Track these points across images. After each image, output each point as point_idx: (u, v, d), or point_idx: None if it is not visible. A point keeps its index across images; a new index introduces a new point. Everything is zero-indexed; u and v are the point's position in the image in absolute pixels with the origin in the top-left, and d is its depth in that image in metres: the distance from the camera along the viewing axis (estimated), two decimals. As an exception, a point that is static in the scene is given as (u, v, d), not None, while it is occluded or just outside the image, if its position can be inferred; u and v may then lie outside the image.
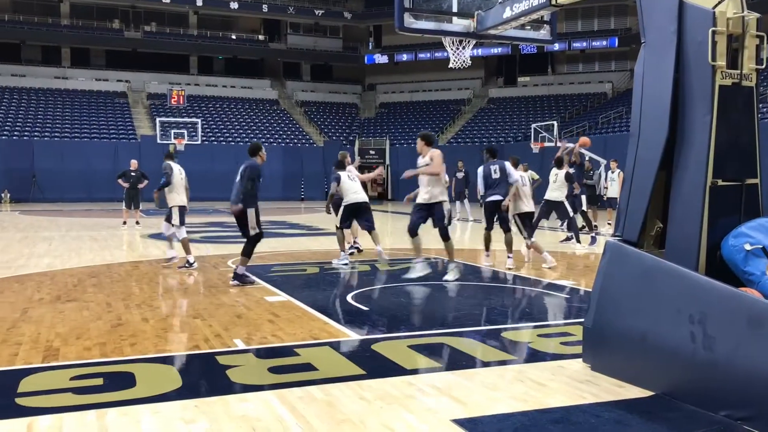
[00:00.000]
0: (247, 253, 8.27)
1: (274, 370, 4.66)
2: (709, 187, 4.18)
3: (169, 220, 9.88)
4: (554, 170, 12.03)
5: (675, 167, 4.40)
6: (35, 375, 4.52)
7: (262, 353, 5.13)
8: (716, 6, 4.18)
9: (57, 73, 42.36)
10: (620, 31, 41.91)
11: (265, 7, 45.78)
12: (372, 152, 40.34)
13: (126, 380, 4.39)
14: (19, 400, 4.00)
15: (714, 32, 4.11)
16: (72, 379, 4.44)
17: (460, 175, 20.95)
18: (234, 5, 44.80)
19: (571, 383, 4.36)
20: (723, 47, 4.15)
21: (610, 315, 4.55)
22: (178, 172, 9.91)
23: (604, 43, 41.73)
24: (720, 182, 4.22)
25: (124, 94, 42.46)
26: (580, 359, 4.79)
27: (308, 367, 4.75)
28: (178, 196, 9.84)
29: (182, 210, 9.85)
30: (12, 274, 9.26)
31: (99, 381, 4.40)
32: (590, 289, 5.02)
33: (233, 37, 46.99)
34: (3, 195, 31.60)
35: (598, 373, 4.54)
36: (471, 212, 21.07)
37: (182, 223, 9.79)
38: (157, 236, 15.24)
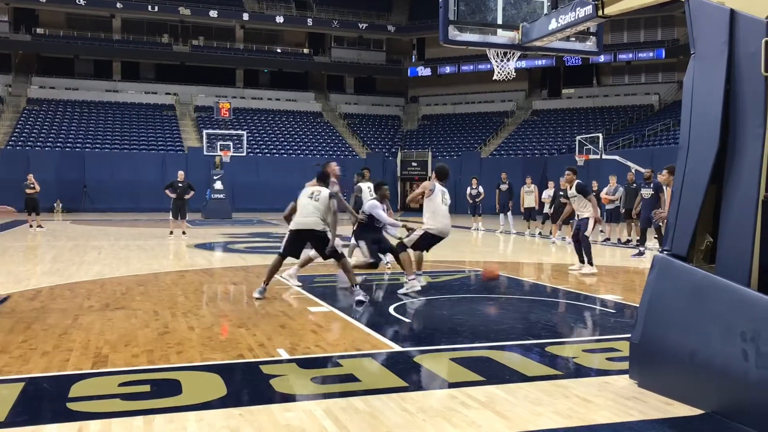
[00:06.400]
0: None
1: (317, 380, 4.70)
2: (761, 201, 4.08)
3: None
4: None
5: (726, 181, 4.30)
6: (85, 381, 4.63)
7: (306, 363, 5.16)
8: (769, 16, 4.09)
9: (108, 87, 43.60)
10: (667, 42, 41.26)
11: (309, 21, 46.44)
12: (414, 164, 40.41)
13: (172, 387, 4.47)
14: (70, 405, 4.11)
15: (767, 42, 4.02)
16: (120, 385, 4.54)
17: (504, 187, 20.69)
18: (280, 19, 45.54)
19: (617, 400, 4.28)
20: (777, 58, 4.05)
21: (658, 331, 4.45)
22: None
23: (651, 54, 41.12)
24: (773, 196, 4.11)
25: (172, 106, 43.42)
26: (627, 375, 4.71)
27: (351, 378, 4.76)
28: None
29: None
30: (63, 281, 9.52)
31: (146, 388, 4.49)
32: (637, 305, 4.93)
33: (279, 50, 47.74)
34: (55, 205, 32.53)
35: (645, 390, 4.45)
36: (513, 225, 20.88)
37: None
38: (202, 246, 15.50)
